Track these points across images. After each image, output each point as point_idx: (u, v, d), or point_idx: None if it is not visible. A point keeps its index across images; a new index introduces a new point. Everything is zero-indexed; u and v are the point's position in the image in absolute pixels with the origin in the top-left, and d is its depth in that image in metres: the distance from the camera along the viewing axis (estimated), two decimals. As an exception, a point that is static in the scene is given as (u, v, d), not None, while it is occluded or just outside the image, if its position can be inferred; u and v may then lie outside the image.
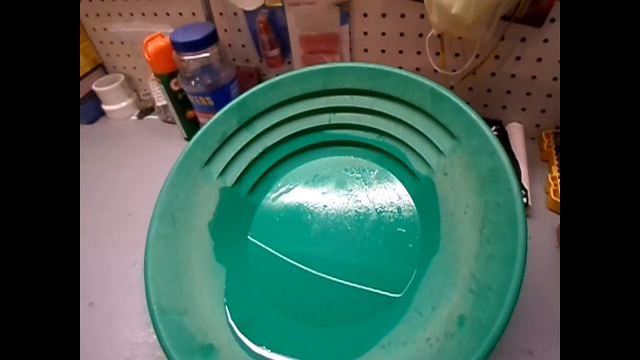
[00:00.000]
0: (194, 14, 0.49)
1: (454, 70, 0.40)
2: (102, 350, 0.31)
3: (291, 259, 0.30)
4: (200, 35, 0.41)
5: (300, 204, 0.32)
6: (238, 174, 0.33)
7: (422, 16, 0.39)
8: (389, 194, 0.31)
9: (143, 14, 0.52)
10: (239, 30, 0.48)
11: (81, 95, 0.57)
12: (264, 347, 0.26)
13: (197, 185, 0.32)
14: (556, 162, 0.38)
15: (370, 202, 0.31)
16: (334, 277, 0.29)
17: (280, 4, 0.43)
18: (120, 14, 0.53)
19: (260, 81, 0.46)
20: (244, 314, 0.28)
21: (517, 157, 0.38)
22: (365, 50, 0.44)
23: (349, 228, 0.30)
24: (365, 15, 0.41)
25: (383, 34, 0.42)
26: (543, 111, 0.41)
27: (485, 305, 0.21)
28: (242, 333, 0.27)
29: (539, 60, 0.38)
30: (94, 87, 0.57)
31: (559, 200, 0.35)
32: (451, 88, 0.43)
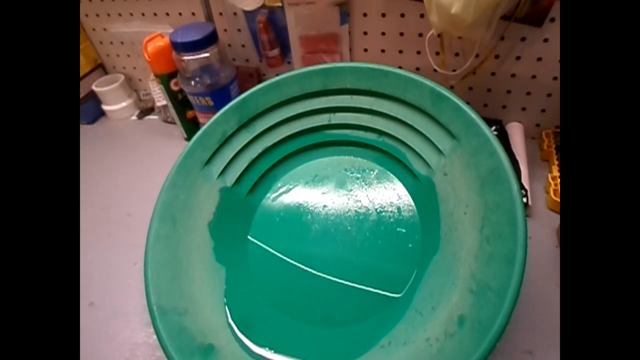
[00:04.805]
0: (193, 14, 0.49)
1: (454, 70, 0.40)
2: (102, 350, 0.31)
3: (291, 259, 0.30)
4: (200, 36, 0.41)
5: (300, 204, 0.32)
6: (238, 174, 0.33)
7: (422, 16, 0.39)
8: (389, 194, 0.31)
9: (143, 14, 0.52)
10: (239, 30, 0.48)
11: (81, 96, 0.57)
12: (263, 347, 0.26)
13: (197, 185, 0.32)
14: (556, 162, 0.38)
15: (370, 202, 0.31)
16: (334, 277, 0.29)
17: (279, 4, 0.43)
18: (120, 14, 0.53)
19: (260, 81, 0.46)
20: (244, 314, 0.28)
21: (517, 157, 0.38)
22: (365, 50, 0.44)
23: (349, 228, 0.30)
24: (365, 15, 0.41)
25: (383, 33, 0.42)
26: (543, 111, 0.41)
27: (485, 305, 0.21)
28: (242, 333, 0.27)
29: (539, 59, 0.37)
30: (94, 87, 0.57)
31: (559, 200, 0.35)
32: (451, 88, 0.43)
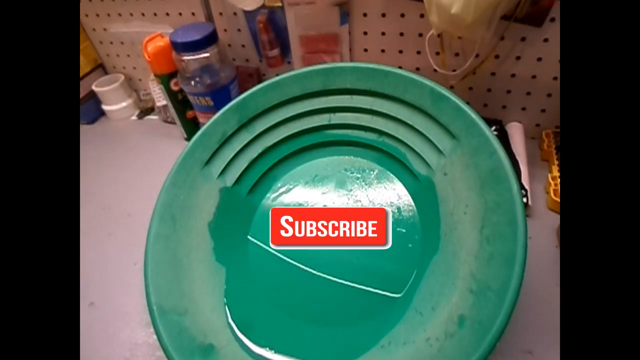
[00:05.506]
0: (193, 14, 0.49)
1: (454, 70, 0.40)
2: (102, 350, 0.31)
3: (291, 259, 0.30)
4: (200, 35, 0.41)
5: (300, 204, 0.32)
6: (238, 174, 0.33)
7: (422, 16, 0.39)
8: (389, 194, 0.31)
9: (143, 14, 0.52)
10: (239, 30, 0.48)
11: (81, 96, 0.57)
12: (264, 347, 0.26)
13: (197, 185, 0.32)
14: (556, 162, 0.38)
15: (370, 202, 0.31)
16: (334, 277, 0.29)
17: (280, 4, 0.43)
18: (120, 14, 0.53)
19: (260, 81, 0.46)
20: (244, 314, 0.28)
21: (517, 157, 0.38)
22: (365, 50, 0.44)
23: (349, 228, 0.30)
24: (365, 15, 0.41)
25: (383, 33, 0.42)
26: (543, 111, 0.41)
27: (485, 305, 0.21)
28: (242, 333, 0.27)
29: (539, 59, 0.37)
30: (94, 87, 0.57)
31: (559, 200, 0.35)
32: (451, 88, 0.43)
